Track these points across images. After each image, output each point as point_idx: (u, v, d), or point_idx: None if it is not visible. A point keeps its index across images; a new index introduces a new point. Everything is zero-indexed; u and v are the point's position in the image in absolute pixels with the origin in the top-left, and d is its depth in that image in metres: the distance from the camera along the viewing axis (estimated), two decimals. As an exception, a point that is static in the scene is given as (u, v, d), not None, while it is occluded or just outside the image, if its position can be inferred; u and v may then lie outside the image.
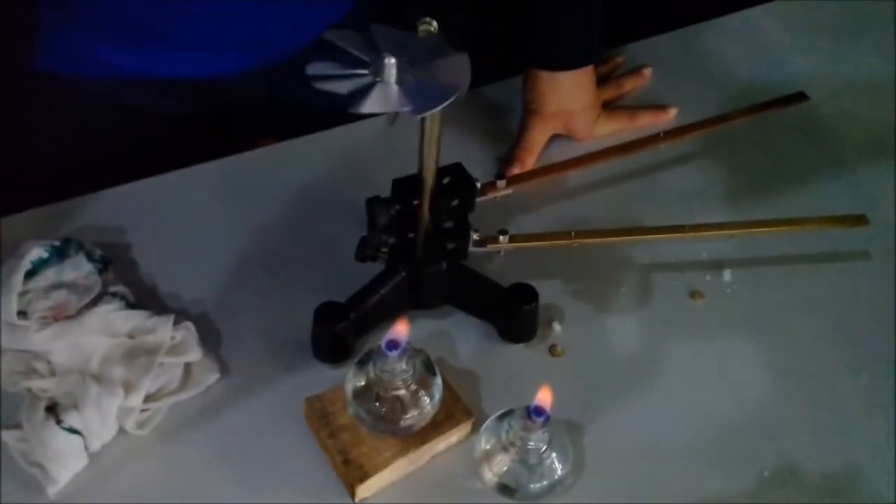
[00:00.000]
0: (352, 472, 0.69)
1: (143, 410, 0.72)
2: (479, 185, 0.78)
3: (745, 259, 0.87)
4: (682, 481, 0.73)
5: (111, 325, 0.74)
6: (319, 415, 0.72)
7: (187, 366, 0.74)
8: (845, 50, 1.09)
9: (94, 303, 0.75)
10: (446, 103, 0.61)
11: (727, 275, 0.86)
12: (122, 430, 0.71)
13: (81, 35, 0.89)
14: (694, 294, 0.85)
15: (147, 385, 0.71)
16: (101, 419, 0.69)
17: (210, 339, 0.77)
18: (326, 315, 0.75)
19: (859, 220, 0.86)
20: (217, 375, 0.75)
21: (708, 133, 0.94)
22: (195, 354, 0.74)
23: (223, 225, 0.86)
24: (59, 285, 0.75)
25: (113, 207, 0.86)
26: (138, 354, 0.72)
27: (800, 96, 0.97)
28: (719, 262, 0.87)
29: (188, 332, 0.75)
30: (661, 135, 0.92)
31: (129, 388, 0.70)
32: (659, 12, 1.12)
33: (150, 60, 0.91)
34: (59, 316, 0.73)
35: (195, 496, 0.69)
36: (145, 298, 0.79)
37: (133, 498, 0.69)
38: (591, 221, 0.88)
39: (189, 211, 0.87)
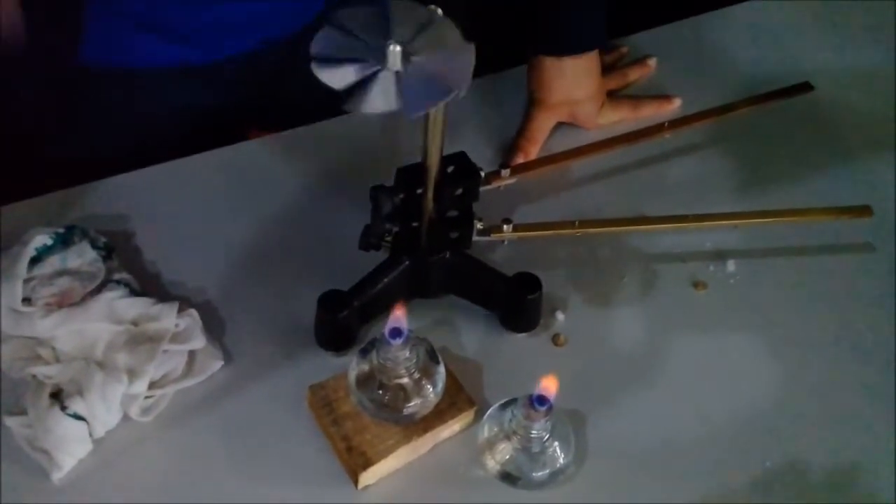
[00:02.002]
0: (355, 460, 0.69)
1: (147, 397, 0.72)
2: (482, 174, 0.78)
3: (748, 249, 0.87)
4: (683, 472, 0.73)
5: (115, 312, 0.74)
6: (323, 402, 0.72)
7: (191, 353, 0.75)
8: (850, 41, 1.09)
9: (99, 290, 0.75)
10: (443, 102, 0.61)
11: (731, 265, 0.86)
12: (126, 417, 0.71)
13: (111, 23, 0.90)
14: (697, 284, 0.85)
15: (151, 372, 0.71)
16: (105, 406, 0.69)
17: (214, 327, 0.77)
18: (330, 303, 0.75)
19: (863, 211, 0.86)
20: (221, 363, 0.75)
21: (712, 123, 0.93)
22: (199, 342, 0.74)
23: (227, 214, 0.86)
24: (63, 272, 0.75)
25: (118, 196, 0.86)
26: (142, 342, 0.73)
27: (804, 86, 0.97)
28: (723, 253, 0.87)
29: (192, 319, 0.75)
30: (666, 125, 0.92)
31: (133, 374, 0.71)
32: (665, 2, 1.12)
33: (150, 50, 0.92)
34: (64, 303, 0.73)
35: (199, 483, 0.70)
36: (149, 286, 0.79)
37: (138, 484, 0.69)
38: (595, 211, 0.88)
39: (194, 200, 0.87)
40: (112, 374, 0.70)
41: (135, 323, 0.74)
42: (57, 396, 0.70)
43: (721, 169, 0.95)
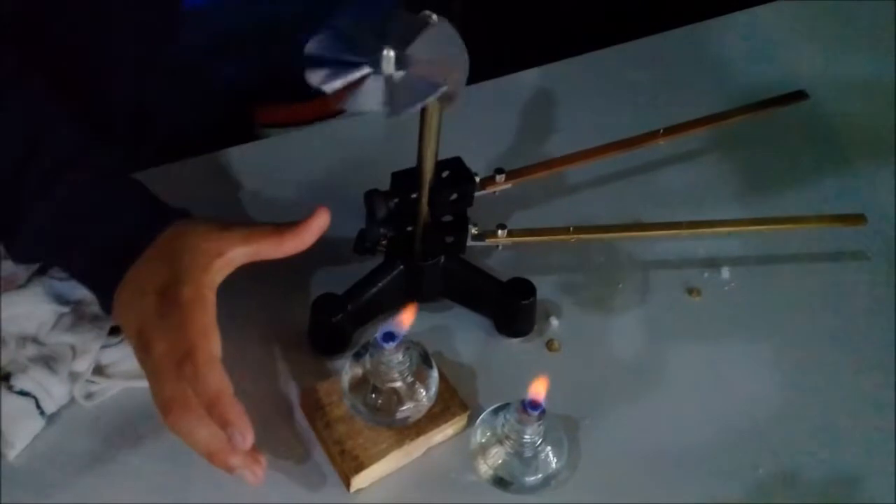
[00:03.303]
0: (347, 463, 0.69)
1: (92, 381, 0.72)
2: (477, 179, 0.78)
3: (743, 257, 0.87)
4: (676, 478, 0.73)
5: (60, 293, 0.74)
6: (316, 406, 0.72)
7: None
8: (847, 48, 1.09)
9: (43, 271, 0.75)
10: (431, 98, 0.61)
11: (725, 272, 0.86)
12: (110, 420, 0.71)
13: None
14: (692, 291, 0.85)
15: (95, 350, 0.72)
16: (52, 379, 0.70)
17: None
18: (324, 306, 0.75)
19: (857, 219, 0.86)
20: None
21: (707, 130, 0.93)
22: None
23: (221, 216, 0.86)
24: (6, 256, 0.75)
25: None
26: (85, 322, 0.73)
27: (799, 95, 0.97)
28: (717, 260, 0.87)
29: None
30: (661, 131, 0.92)
31: (76, 351, 0.72)
32: (663, 10, 1.12)
33: None
34: (10, 286, 0.74)
35: (191, 484, 0.70)
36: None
37: (125, 489, 0.69)
38: (590, 217, 0.88)
39: (186, 202, 0.86)
40: (56, 350, 0.71)
41: (80, 304, 0.74)
42: (6, 379, 0.70)
43: (716, 176, 0.95)
